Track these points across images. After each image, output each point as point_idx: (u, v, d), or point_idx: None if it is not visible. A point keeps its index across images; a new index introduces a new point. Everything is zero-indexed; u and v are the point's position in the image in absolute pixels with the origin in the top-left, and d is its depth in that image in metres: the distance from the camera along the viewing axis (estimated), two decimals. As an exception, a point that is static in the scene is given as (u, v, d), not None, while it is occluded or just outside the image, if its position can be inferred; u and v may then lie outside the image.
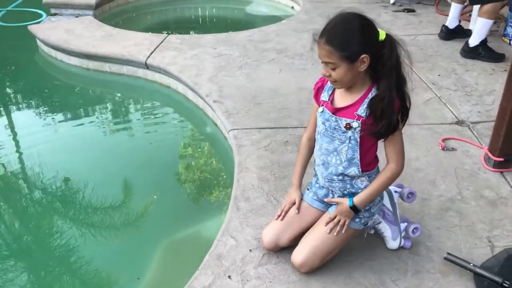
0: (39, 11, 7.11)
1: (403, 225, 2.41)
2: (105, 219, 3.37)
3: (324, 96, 2.16)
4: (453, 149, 3.33)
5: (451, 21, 5.33)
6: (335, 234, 2.18)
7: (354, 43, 1.87)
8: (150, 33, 5.72)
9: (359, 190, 2.16)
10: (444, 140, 3.42)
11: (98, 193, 3.53)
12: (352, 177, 2.16)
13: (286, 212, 2.35)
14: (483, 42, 4.80)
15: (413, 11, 6.23)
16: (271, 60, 4.91)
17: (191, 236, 3.12)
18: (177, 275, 2.73)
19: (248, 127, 3.64)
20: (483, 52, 4.79)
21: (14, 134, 4.62)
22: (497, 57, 4.77)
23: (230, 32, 5.94)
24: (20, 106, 5.30)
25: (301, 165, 2.41)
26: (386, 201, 2.39)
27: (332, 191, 2.26)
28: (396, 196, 2.42)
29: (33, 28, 5.97)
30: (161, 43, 5.32)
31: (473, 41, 4.81)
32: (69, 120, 4.78)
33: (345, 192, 2.21)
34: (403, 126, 2.06)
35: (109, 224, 3.32)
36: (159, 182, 3.70)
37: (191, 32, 6.88)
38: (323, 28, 1.94)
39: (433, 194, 2.86)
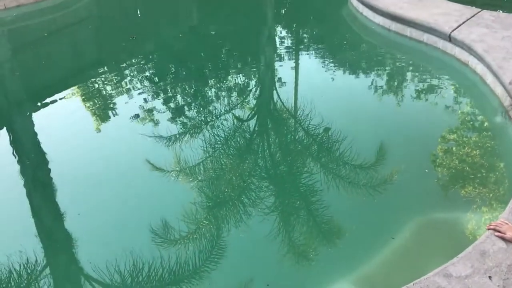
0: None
1: None
2: (353, 175, 3.39)
3: None
4: None
5: None
6: None
7: None
8: (462, 4, 5.30)
9: None
10: None
11: (353, 149, 3.57)
12: None
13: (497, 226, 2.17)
14: None
15: None
16: None
17: (451, 222, 2.89)
18: (429, 251, 2.62)
19: (553, 129, 3.07)
20: None
21: (297, 74, 4.99)
22: None
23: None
24: (311, 51, 5.66)
25: None
26: None
27: None
28: None
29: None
30: (471, 17, 4.87)
31: None
32: (348, 74, 4.93)
33: None
34: None
35: (356, 181, 3.34)
36: (426, 157, 3.50)
37: (505, 11, 6.11)
38: None
39: None
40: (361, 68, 5.10)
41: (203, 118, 4.23)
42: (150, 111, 4.28)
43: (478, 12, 5.01)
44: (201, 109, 4.39)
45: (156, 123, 4.10)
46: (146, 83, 4.79)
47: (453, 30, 4.58)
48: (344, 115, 4.11)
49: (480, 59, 4.21)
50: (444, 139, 3.76)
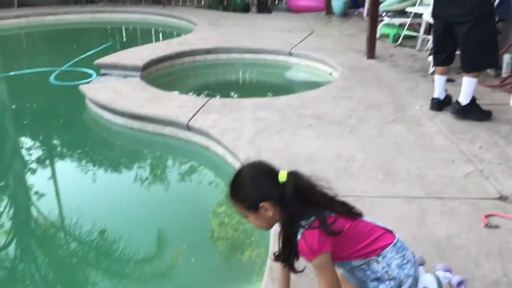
0: (90, 71, 7.51)
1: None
2: (136, 271, 3.44)
3: None
4: (496, 226, 3.22)
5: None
6: None
7: (249, 193, 1.92)
8: (193, 96, 5.94)
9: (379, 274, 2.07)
10: (487, 216, 3.32)
11: (132, 244, 3.62)
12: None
13: None
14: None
15: (453, 81, 6.19)
16: (309, 126, 4.97)
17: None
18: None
19: (284, 193, 3.64)
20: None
21: (55, 185, 4.80)
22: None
23: (270, 96, 6.08)
24: (63, 160, 5.52)
25: None
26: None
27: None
28: (445, 282, 2.31)
29: (83, 87, 6.31)
30: (203, 106, 5.49)
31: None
32: (107, 176, 4.97)
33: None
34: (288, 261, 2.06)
35: (140, 276, 3.38)
36: (193, 241, 3.75)
37: (232, 95, 7.10)
38: None
39: (476, 275, 2.75)
40: (118, 167, 5.18)
41: None
42: None
43: (208, 100, 5.69)
44: None
45: None
46: None
47: (189, 120, 5.07)
48: (115, 214, 4.10)
49: (218, 142, 4.75)
50: (215, 214, 4.12)
